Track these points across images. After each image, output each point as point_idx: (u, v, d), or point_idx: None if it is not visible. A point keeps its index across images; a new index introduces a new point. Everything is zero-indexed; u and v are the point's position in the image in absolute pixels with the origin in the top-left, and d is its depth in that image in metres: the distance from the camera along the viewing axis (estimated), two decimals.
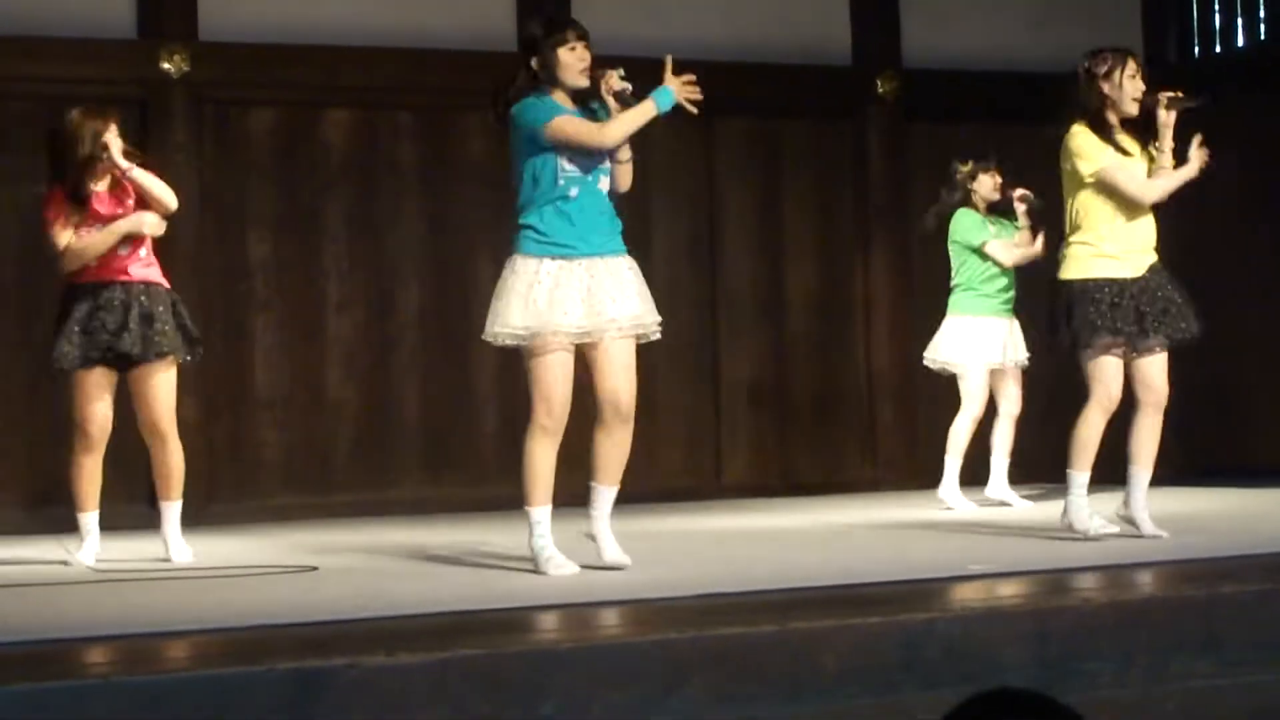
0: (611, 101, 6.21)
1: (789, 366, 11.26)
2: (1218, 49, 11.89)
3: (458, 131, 10.61)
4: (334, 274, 10.41)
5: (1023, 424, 9.35)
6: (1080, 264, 6.88)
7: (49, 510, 9.45)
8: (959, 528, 7.96)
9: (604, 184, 6.22)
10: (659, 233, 10.75)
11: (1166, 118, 6.83)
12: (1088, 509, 6.90)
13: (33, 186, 9.15)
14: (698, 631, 4.60)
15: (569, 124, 6.12)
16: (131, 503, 8.98)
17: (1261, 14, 11.60)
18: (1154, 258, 6.93)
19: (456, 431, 10.53)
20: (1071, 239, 6.93)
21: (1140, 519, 6.90)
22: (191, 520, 8.82)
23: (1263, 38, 11.63)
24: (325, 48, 10.25)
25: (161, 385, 7.14)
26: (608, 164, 6.23)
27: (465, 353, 10.42)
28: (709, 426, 11.04)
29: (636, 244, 6.41)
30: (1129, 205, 6.87)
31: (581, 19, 10.45)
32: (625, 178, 6.31)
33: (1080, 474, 6.90)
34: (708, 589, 5.54)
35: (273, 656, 4.26)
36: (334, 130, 10.47)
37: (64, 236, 7.11)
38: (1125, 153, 6.88)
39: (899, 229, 11.36)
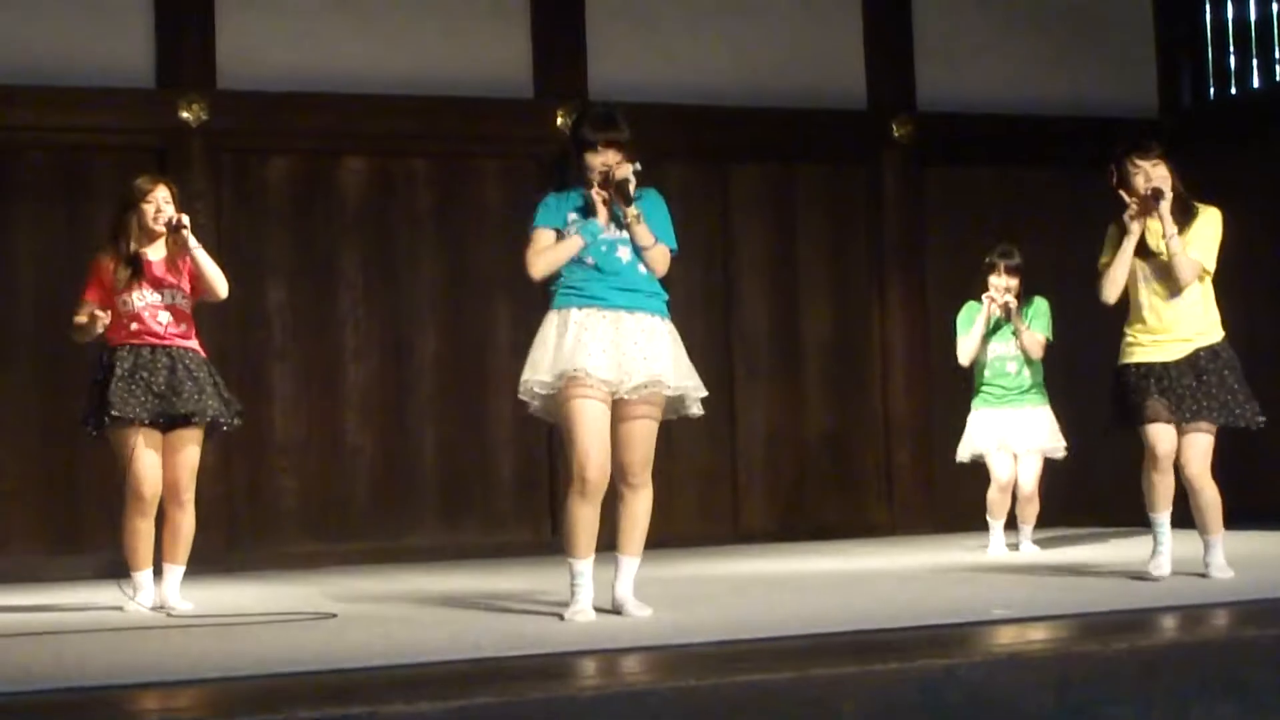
0: (615, 191, 6.15)
1: (805, 411, 11.25)
2: (1233, 90, 11.91)
3: (474, 179, 10.65)
4: (350, 321, 10.43)
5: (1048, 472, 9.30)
6: (1120, 352, 7.18)
7: (67, 559, 9.49)
8: (977, 572, 7.94)
9: (623, 253, 6.20)
10: (674, 277, 10.69)
11: (1156, 212, 6.99)
12: (1165, 551, 7.09)
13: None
14: (718, 678, 4.59)
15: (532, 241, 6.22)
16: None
17: (1276, 55, 11.61)
18: (1200, 343, 7.07)
19: (473, 478, 10.53)
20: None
21: (1215, 570, 7.08)
22: (210, 567, 8.85)
23: (1278, 79, 11.64)
24: (342, 96, 10.30)
25: (193, 451, 7.25)
26: (625, 234, 6.22)
27: (482, 400, 10.44)
28: (726, 471, 11.03)
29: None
30: (1149, 296, 7.07)
31: (597, 66, 10.79)
32: (654, 264, 6.27)
33: (1154, 515, 7.12)
34: (727, 635, 5.53)
35: (292, 704, 4.25)
36: (351, 178, 10.50)
37: (83, 313, 7.20)
38: (1149, 249, 7.05)
39: (915, 272, 11.37)
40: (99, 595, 7.75)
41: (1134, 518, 7.30)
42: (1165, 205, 6.95)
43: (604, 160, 6.13)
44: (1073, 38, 11.84)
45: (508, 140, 10.67)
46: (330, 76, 10.33)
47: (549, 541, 9.93)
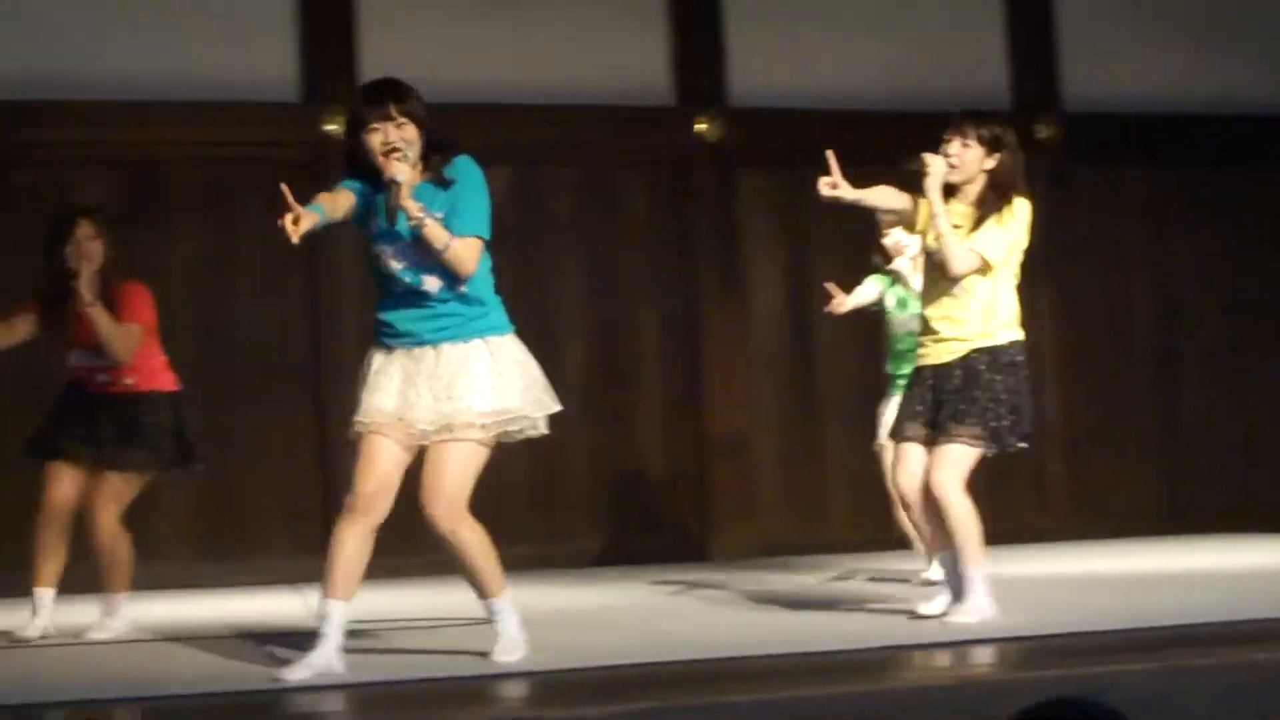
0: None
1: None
2: None
3: (615, 188, 10.67)
4: None
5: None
6: None
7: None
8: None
9: (430, 283, 5.46)
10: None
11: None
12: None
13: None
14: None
15: None
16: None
17: None
18: (978, 344, 6.19)
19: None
20: None
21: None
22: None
23: None
24: (482, 105, 10.39)
25: (109, 486, 6.71)
26: (432, 261, 5.45)
27: None
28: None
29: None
30: (932, 289, 6.35)
31: (737, 72, 10.74)
32: (455, 266, 5.43)
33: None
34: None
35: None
36: (491, 188, 10.58)
37: None
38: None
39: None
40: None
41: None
42: (931, 182, 6.21)
43: (383, 139, 5.41)
44: (1222, 34, 11.54)
45: (648, 149, 10.70)
46: (471, 88, 10.44)
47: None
